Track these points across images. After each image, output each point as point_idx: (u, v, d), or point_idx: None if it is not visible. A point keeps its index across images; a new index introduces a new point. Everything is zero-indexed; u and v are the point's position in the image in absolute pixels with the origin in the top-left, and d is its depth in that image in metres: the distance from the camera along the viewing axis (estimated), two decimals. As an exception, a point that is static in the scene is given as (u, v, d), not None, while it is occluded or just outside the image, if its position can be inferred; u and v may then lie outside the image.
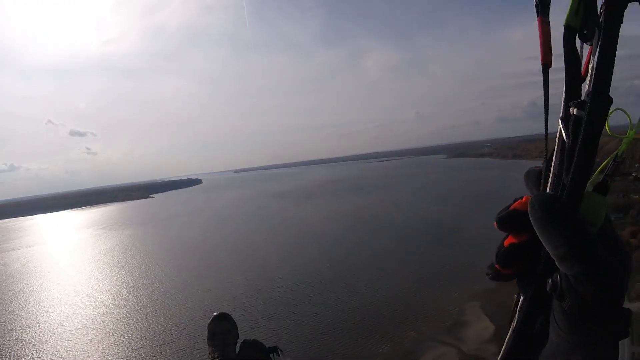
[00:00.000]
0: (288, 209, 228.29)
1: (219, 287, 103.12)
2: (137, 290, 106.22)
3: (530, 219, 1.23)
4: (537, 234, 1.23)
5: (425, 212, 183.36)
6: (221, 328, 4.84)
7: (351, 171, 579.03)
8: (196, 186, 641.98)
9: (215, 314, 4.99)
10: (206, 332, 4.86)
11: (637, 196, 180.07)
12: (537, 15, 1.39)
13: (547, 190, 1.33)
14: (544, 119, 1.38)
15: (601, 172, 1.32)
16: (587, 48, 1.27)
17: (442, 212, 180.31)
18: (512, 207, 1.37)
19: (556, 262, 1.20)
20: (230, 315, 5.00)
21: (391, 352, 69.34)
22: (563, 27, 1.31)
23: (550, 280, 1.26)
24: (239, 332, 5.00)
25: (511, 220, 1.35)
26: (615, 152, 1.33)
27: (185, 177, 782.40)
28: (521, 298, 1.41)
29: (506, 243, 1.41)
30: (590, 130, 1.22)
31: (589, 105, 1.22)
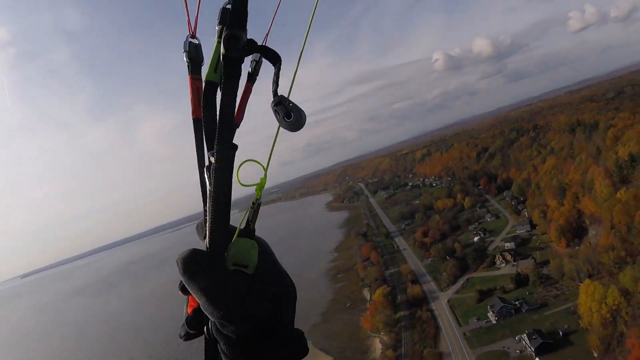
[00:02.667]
0: (93, 306, 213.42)
1: None
2: None
3: (180, 275, 1.35)
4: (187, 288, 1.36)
5: None
6: None
7: (148, 248, 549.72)
8: None
9: None
10: None
11: (417, 201, 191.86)
12: (189, 74, 1.54)
13: (205, 239, 1.45)
14: (198, 172, 1.51)
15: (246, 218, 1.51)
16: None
17: None
18: None
19: (204, 312, 1.34)
20: None
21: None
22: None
23: (205, 328, 1.47)
24: None
25: (184, 286, 1.43)
26: (252, 200, 1.50)
27: None
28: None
29: (190, 308, 1.57)
30: (219, 178, 1.37)
31: (216, 154, 1.36)
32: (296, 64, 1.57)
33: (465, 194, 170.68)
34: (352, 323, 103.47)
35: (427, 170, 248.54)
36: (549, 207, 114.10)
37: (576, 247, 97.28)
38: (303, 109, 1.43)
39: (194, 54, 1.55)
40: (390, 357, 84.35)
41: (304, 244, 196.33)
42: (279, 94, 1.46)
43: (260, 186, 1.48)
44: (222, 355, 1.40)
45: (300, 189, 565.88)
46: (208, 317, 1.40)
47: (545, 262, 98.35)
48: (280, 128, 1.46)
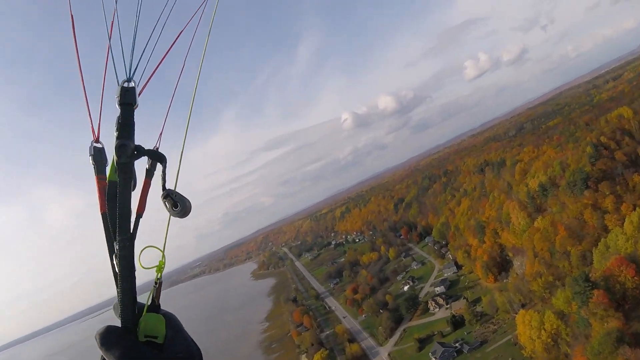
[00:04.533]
0: None
1: None
2: None
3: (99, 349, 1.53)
4: None
5: None
6: None
7: (72, 335, 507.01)
8: None
9: None
10: None
11: (342, 259, 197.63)
12: (95, 175, 1.78)
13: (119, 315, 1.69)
14: (110, 259, 1.71)
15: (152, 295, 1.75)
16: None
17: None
18: None
19: None
20: None
21: None
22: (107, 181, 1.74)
23: None
24: None
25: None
26: (154, 279, 1.76)
27: None
28: None
29: None
30: (122, 263, 1.64)
31: (118, 243, 1.63)
32: (179, 156, 1.80)
33: (388, 245, 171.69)
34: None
35: (348, 226, 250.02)
36: (471, 247, 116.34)
37: (504, 280, 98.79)
38: (188, 198, 1.66)
39: (98, 157, 1.78)
40: None
41: (233, 317, 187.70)
42: (167, 188, 1.69)
43: (160, 267, 1.70)
44: None
45: (223, 259, 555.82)
46: None
47: (477, 300, 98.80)
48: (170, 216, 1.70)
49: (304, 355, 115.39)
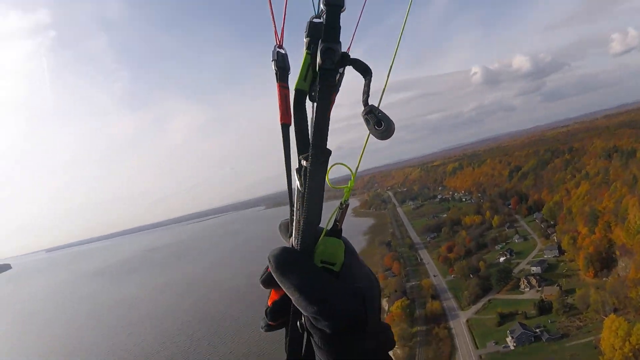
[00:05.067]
0: (109, 290, 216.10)
1: None
2: None
3: (271, 272, 1.48)
4: (279, 284, 1.47)
5: (249, 269, 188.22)
6: None
7: (171, 236, 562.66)
8: (5, 273, 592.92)
9: None
10: None
11: (444, 215, 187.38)
12: (277, 82, 1.63)
13: (293, 237, 1.56)
14: (286, 174, 1.60)
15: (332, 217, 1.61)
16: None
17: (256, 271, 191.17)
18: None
19: (297, 307, 1.44)
20: None
21: None
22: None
23: (298, 322, 1.53)
24: None
25: (270, 280, 1.58)
26: (340, 201, 1.60)
27: None
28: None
29: (270, 301, 1.68)
30: (312, 180, 1.48)
31: (310, 158, 1.47)
32: (387, 74, 1.66)
33: (494, 211, 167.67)
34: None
35: (457, 184, 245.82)
36: (579, 234, 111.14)
37: (604, 278, 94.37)
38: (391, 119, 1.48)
39: (281, 63, 1.63)
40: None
41: None
42: (370, 104, 1.51)
43: (349, 188, 1.57)
44: (316, 348, 1.48)
45: (327, 191, 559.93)
46: (297, 312, 1.52)
47: (571, 291, 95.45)
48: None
49: (385, 299, 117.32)
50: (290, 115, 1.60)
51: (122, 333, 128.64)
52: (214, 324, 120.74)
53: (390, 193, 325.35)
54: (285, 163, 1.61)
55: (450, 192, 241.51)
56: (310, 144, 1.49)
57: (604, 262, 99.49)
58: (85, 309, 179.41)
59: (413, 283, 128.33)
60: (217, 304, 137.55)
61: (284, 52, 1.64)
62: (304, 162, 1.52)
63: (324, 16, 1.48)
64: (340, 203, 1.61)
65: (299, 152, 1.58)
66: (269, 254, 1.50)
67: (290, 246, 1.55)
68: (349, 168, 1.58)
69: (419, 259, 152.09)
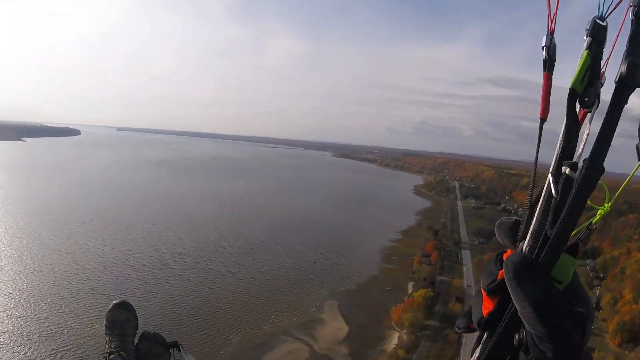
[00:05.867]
0: (163, 181, 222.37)
1: (70, 256, 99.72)
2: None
3: (505, 277, 1.46)
4: (509, 291, 1.45)
5: (302, 207, 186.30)
6: (121, 317, 4.53)
7: (237, 152, 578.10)
8: (74, 137, 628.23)
9: (114, 301, 4.70)
10: (104, 321, 4.53)
11: None
12: (544, 71, 1.62)
13: (526, 239, 1.55)
14: (534, 167, 1.66)
15: (575, 235, 1.57)
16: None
17: (320, 210, 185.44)
18: (499, 275, 1.55)
19: (522, 320, 1.42)
20: (130, 304, 4.75)
21: (242, 343, 72.05)
22: (569, 90, 1.49)
23: (517, 336, 1.50)
24: (138, 322, 4.75)
25: (499, 289, 1.57)
26: (589, 221, 1.61)
27: (64, 126, 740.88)
28: (478, 348, 1.65)
29: (485, 310, 1.64)
30: (580, 193, 1.42)
31: (583, 171, 1.41)
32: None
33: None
34: (382, 307, 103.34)
35: (525, 200, 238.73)
36: (622, 297, 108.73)
37: (627, 352, 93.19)
38: None
39: (552, 53, 1.57)
40: (400, 357, 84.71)
41: (375, 212, 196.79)
42: None
43: (604, 211, 1.52)
44: None
45: (397, 160, 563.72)
46: (513, 325, 1.48)
47: (591, 349, 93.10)
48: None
49: (411, 283, 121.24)
50: (549, 111, 1.56)
51: (159, 225, 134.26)
52: (243, 241, 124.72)
53: (456, 184, 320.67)
54: (535, 161, 1.63)
55: (515, 206, 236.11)
56: (587, 157, 1.39)
57: (634, 335, 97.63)
58: (137, 190, 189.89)
59: (444, 278, 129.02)
60: (257, 228, 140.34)
61: (555, 42, 1.57)
62: (567, 170, 1.43)
63: (632, 27, 1.34)
64: (590, 222, 1.57)
65: (562, 157, 1.50)
66: (507, 259, 1.45)
67: (521, 251, 1.51)
68: (606, 190, 1.52)
69: (459, 258, 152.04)
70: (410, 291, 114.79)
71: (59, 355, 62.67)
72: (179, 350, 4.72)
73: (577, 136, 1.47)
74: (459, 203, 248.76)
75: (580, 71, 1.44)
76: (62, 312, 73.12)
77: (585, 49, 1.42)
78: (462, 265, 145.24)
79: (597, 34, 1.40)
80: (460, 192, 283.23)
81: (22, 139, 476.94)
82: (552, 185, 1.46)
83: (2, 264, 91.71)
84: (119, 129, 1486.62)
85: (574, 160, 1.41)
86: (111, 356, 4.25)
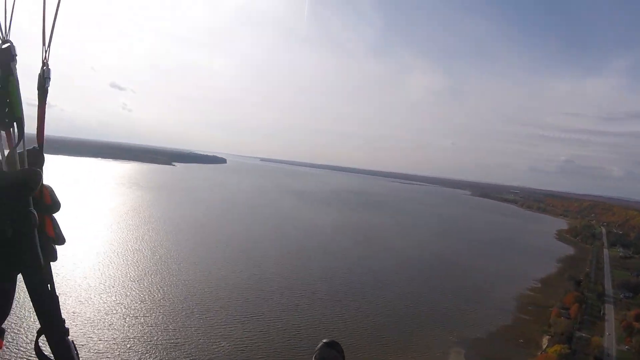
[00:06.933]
0: (301, 210, 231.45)
1: (204, 273, 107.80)
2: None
3: None
4: None
5: (436, 247, 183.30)
6: (329, 356, 4.84)
7: (374, 187, 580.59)
8: (220, 165, 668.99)
9: (324, 340, 5.00)
10: (312, 358, 4.83)
11: None
12: None
13: None
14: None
15: None
16: None
17: (454, 251, 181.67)
18: None
19: None
20: (339, 344, 4.99)
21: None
22: None
23: None
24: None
25: None
26: None
27: (211, 154, 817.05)
28: None
29: None
30: None
31: None
32: None
33: None
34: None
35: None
36: None
37: None
38: None
39: None
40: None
41: (514, 256, 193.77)
42: None
43: None
44: None
45: (539, 202, 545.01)
46: None
47: None
48: None
49: (547, 337, 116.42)
50: None
51: (292, 254, 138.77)
52: (371, 277, 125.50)
53: (603, 229, 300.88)
54: None
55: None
56: None
57: None
58: (276, 216, 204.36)
59: (583, 334, 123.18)
60: (387, 266, 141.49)
61: None
62: None
63: None
64: None
65: None
66: None
67: None
68: None
69: (601, 313, 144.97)
70: (544, 346, 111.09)
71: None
72: None
73: None
74: (605, 251, 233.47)
75: None
76: (190, 327, 79.07)
77: None
78: (604, 322, 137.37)
79: None
80: (607, 239, 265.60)
81: (173, 163, 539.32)
82: None
83: (142, 274, 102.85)
84: (262, 159, 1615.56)
85: None
86: None
